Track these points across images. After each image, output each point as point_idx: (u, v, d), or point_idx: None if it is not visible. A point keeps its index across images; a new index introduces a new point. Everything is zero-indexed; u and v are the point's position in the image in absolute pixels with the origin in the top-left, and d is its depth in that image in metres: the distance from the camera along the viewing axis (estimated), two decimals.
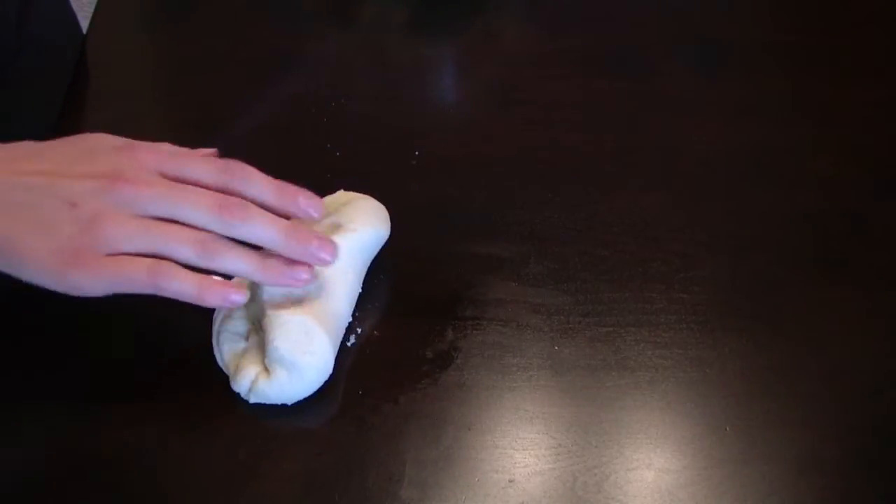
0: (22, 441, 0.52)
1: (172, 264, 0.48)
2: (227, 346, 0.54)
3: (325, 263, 0.51)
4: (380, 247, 0.58)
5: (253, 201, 0.50)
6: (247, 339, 0.54)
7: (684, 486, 0.51)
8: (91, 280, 0.48)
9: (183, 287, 0.48)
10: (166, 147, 0.52)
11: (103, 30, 0.75)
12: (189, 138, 0.68)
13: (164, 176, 0.49)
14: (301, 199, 0.51)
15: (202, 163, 0.51)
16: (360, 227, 0.56)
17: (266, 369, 0.52)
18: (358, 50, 0.74)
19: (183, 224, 0.49)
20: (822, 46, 0.74)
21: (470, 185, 0.64)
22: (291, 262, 0.50)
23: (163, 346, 0.56)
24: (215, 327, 0.54)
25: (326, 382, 0.54)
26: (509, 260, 0.60)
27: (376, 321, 0.57)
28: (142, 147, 0.50)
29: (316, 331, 0.52)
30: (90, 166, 0.49)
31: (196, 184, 0.50)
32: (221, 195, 0.49)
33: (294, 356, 0.51)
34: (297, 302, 0.52)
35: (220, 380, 0.54)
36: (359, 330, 0.56)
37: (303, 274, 0.50)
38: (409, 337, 0.56)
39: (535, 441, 0.53)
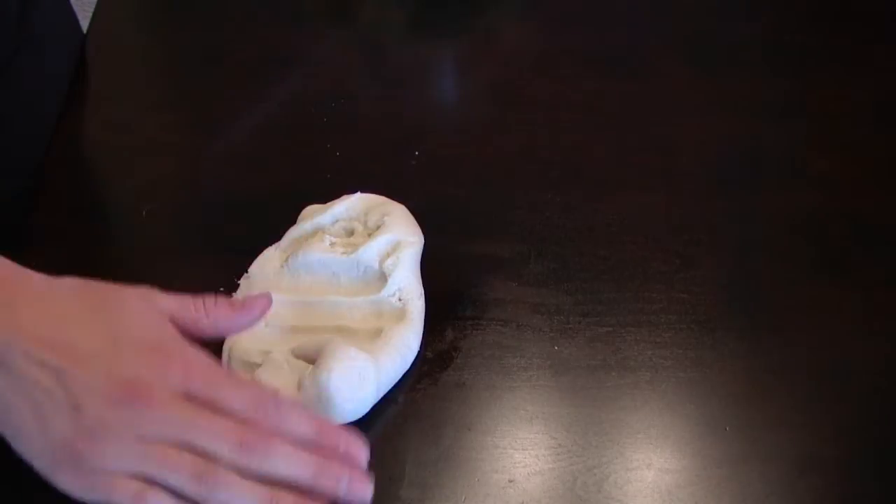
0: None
1: (160, 494, 0.43)
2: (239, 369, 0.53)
3: (362, 500, 0.46)
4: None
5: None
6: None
7: (684, 486, 0.51)
8: (77, 490, 0.43)
9: None
10: (202, 361, 0.46)
11: (103, 29, 0.75)
12: (189, 138, 0.68)
13: (189, 396, 0.44)
14: (342, 442, 0.45)
15: (234, 392, 0.45)
16: (415, 239, 0.57)
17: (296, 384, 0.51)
18: (358, 50, 0.74)
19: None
20: (822, 46, 0.74)
21: (470, 185, 0.64)
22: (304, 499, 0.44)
23: None
24: (225, 356, 0.54)
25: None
26: (509, 260, 0.60)
27: None
28: (175, 356, 0.45)
29: (369, 380, 0.51)
30: (109, 362, 0.44)
31: (222, 411, 0.44)
32: (244, 430, 0.44)
33: (338, 395, 0.50)
34: (372, 331, 0.53)
35: None
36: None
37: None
38: None
39: (535, 441, 0.53)
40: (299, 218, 0.59)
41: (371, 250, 0.56)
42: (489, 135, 0.68)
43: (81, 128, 0.68)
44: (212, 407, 0.44)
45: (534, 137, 0.68)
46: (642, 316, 0.58)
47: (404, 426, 0.53)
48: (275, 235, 0.58)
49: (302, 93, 0.70)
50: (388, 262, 0.55)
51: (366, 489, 0.45)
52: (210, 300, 0.48)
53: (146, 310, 0.46)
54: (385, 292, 0.55)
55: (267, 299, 0.50)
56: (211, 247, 0.57)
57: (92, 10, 0.77)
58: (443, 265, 0.60)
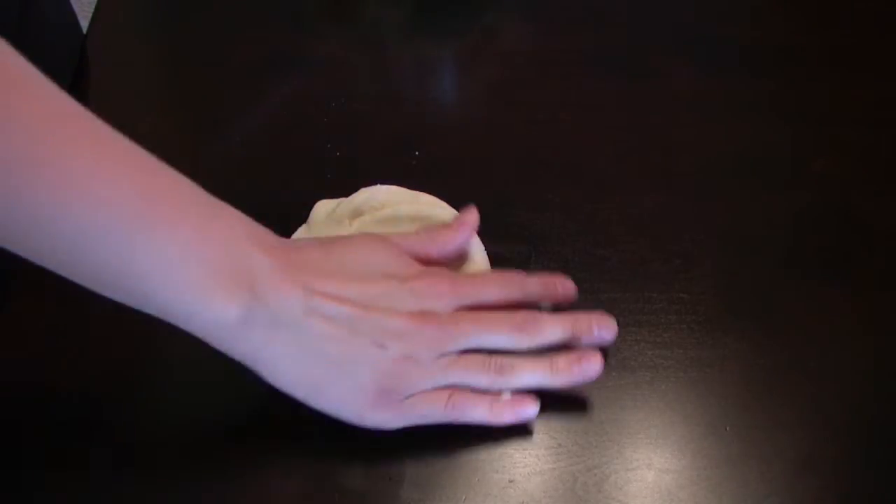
0: (21, 440, 0.52)
1: (465, 394, 0.50)
2: None
3: (608, 342, 0.54)
4: None
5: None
6: None
7: (684, 486, 0.51)
8: (391, 419, 0.50)
9: (476, 413, 0.50)
10: (454, 275, 0.53)
11: (103, 30, 0.75)
12: (189, 138, 0.68)
13: (462, 307, 0.51)
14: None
15: (491, 284, 0.53)
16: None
17: None
18: (358, 50, 0.74)
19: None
20: (822, 46, 0.74)
21: (470, 185, 0.64)
22: (578, 357, 0.52)
23: (162, 346, 0.56)
24: None
25: None
26: (509, 260, 0.60)
27: None
28: (437, 277, 0.51)
29: None
30: (396, 301, 0.49)
31: (488, 305, 0.52)
32: (515, 316, 0.51)
33: None
34: None
35: (221, 380, 0.54)
36: None
37: (595, 367, 0.52)
38: None
39: (535, 441, 0.53)
40: (312, 213, 0.59)
41: None
42: (489, 135, 0.68)
43: None
44: (480, 307, 0.51)
45: (534, 137, 0.68)
46: (642, 316, 0.58)
47: (404, 426, 0.53)
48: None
49: (302, 93, 0.70)
50: None
51: (611, 325, 0.54)
52: (430, 231, 0.54)
53: (391, 249, 0.52)
54: None
55: (474, 215, 0.55)
56: None
57: (92, 10, 0.77)
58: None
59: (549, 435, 0.53)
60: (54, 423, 0.53)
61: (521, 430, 0.53)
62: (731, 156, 0.67)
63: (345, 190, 0.62)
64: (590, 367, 0.52)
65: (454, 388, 0.50)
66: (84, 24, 0.77)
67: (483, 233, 0.61)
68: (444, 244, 0.54)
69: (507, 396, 0.51)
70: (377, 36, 0.75)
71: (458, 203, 0.63)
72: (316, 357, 0.48)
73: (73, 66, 0.72)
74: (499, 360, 0.51)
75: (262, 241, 0.49)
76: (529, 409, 0.51)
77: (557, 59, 0.73)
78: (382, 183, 0.61)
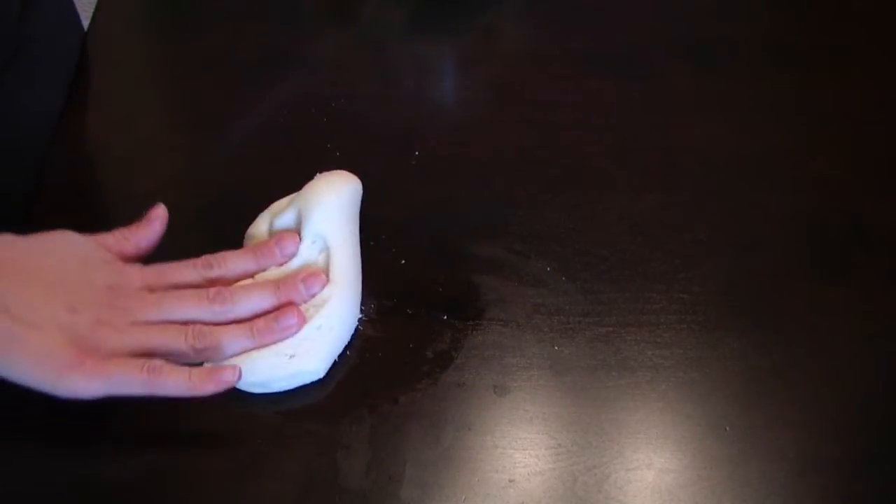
0: (21, 441, 0.52)
1: (165, 362, 0.50)
2: None
3: (315, 294, 0.55)
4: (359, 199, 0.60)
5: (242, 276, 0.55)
6: None
7: (684, 486, 0.51)
8: (86, 382, 0.49)
9: (176, 382, 0.50)
10: (144, 266, 0.54)
11: (104, 29, 0.76)
12: (189, 138, 0.68)
13: (151, 289, 0.52)
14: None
15: (182, 267, 0.54)
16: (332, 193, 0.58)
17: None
18: (358, 50, 0.74)
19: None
20: (822, 46, 0.74)
21: (470, 185, 0.64)
22: (275, 315, 0.53)
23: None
24: None
25: (326, 382, 0.54)
26: (509, 260, 0.60)
27: (376, 321, 0.57)
28: (127, 265, 0.53)
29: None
30: (86, 276, 0.51)
31: (182, 286, 0.53)
32: (206, 291, 0.53)
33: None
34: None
35: None
36: (359, 329, 0.56)
37: (291, 320, 0.53)
38: (409, 337, 0.56)
39: (535, 441, 0.53)
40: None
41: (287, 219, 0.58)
42: (489, 135, 0.68)
43: (81, 128, 0.68)
44: (173, 288, 0.53)
45: (534, 137, 0.68)
46: (642, 316, 0.58)
47: (404, 426, 0.53)
48: None
49: (302, 93, 0.70)
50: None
51: (320, 280, 0.55)
52: (122, 229, 0.55)
53: (87, 242, 0.53)
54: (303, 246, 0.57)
55: (161, 209, 0.56)
56: (211, 246, 0.56)
57: (92, 9, 0.77)
58: (443, 265, 0.60)
59: (549, 435, 0.53)
60: (52, 422, 0.53)
61: (521, 430, 0.53)
62: (731, 156, 0.67)
63: None
64: (287, 322, 0.53)
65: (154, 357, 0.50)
66: (84, 23, 0.77)
67: (483, 233, 0.62)
68: (137, 240, 0.55)
69: (207, 366, 0.52)
70: (377, 36, 0.75)
71: (458, 203, 0.63)
72: (11, 324, 0.48)
73: (73, 66, 0.72)
74: (197, 327, 0.51)
75: None
76: (228, 376, 0.50)
77: (557, 59, 0.73)
78: (382, 183, 0.61)
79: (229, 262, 0.55)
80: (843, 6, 0.77)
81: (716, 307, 0.58)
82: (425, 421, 0.53)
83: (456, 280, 0.59)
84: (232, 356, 0.52)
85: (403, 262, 0.60)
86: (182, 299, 0.52)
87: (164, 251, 0.55)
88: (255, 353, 0.52)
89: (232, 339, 0.52)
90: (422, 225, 0.62)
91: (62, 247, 0.52)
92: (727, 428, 0.53)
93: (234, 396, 0.53)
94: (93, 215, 0.64)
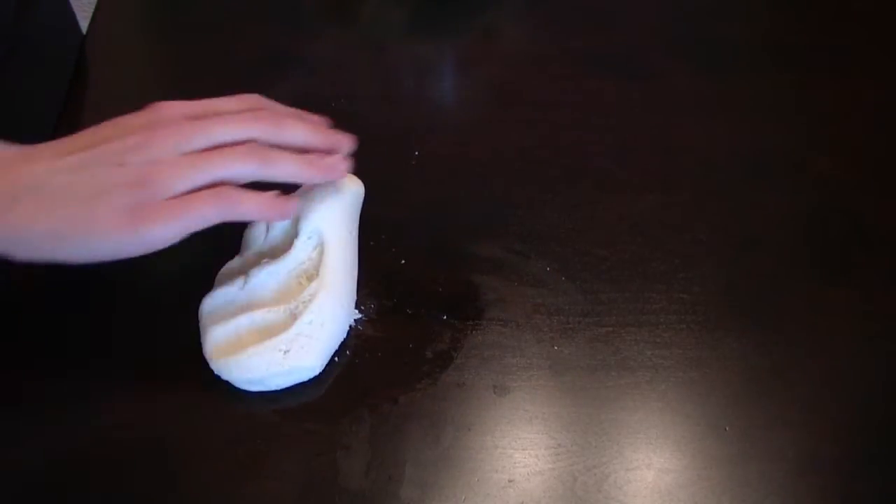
0: (20, 442, 0.52)
1: (233, 188, 0.50)
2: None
3: (349, 148, 0.55)
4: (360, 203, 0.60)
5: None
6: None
7: (684, 486, 0.51)
8: (163, 229, 0.48)
9: (250, 205, 0.50)
10: (185, 102, 0.52)
11: (103, 30, 0.76)
12: None
13: (194, 117, 0.51)
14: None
15: (222, 100, 0.53)
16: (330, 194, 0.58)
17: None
18: (358, 50, 0.74)
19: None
20: (822, 46, 0.74)
21: (470, 185, 0.64)
22: (325, 156, 0.53)
23: (161, 345, 0.56)
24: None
25: (326, 382, 0.54)
26: (509, 260, 0.60)
27: (376, 321, 0.57)
28: (162, 103, 0.51)
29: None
30: (122, 129, 0.50)
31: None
32: (254, 115, 0.52)
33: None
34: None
35: (220, 380, 0.54)
36: (359, 329, 0.56)
37: (340, 164, 0.54)
38: (409, 337, 0.56)
39: (535, 441, 0.53)
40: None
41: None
42: (489, 135, 0.68)
43: (81, 128, 0.68)
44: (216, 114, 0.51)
45: (534, 137, 0.68)
46: (642, 316, 0.58)
47: (404, 426, 0.53)
48: None
49: (302, 93, 0.70)
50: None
51: (348, 138, 0.56)
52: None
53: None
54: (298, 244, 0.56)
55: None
56: (211, 247, 0.56)
57: (92, 10, 0.77)
58: (443, 265, 0.60)
59: (549, 435, 0.53)
60: (52, 423, 0.53)
61: (520, 430, 0.53)
62: (731, 156, 0.67)
63: None
64: (337, 164, 0.54)
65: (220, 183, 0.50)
66: (84, 24, 0.77)
67: (483, 233, 0.62)
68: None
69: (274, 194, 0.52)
70: (377, 36, 0.75)
71: (458, 203, 0.63)
72: (67, 203, 0.47)
73: (72, 66, 0.72)
74: (254, 145, 0.51)
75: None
76: (291, 206, 0.52)
77: (557, 59, 0.73)
78: (382, 183, 0.61)
79: (272, 103, 0.55)
80: (843, 6, 0.77)
81: (716, 307, 0.58)
82: (425, 421, 0.53)
83: (456, 280, 0.59)
84: (290, 178, 0.53)
85: (403, 262, 0.60)
86: (230, 121, 0.51)
87: (162, 250, 0.55)
88: (250, 350, 0.52)
89: (292, 165, 0.52)
90: (422, 225, 0.62)
91: (94, 128, 0.51)
92: (727, 428, 0.53)
93: (233, 396, 0.53)
94: None
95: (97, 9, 0.77)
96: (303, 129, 0.53)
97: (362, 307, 0.57)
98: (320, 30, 0.76)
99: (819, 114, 0.69)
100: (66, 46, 0.74)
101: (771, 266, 0.60)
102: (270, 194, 0.51)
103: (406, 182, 0.64)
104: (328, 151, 0.54)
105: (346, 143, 0.55)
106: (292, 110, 0.55)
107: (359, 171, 0.63)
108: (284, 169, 0.51)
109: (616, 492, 0.51)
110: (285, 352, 0.53)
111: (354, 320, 0.57)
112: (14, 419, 0.53)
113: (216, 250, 0.57)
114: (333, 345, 0.55)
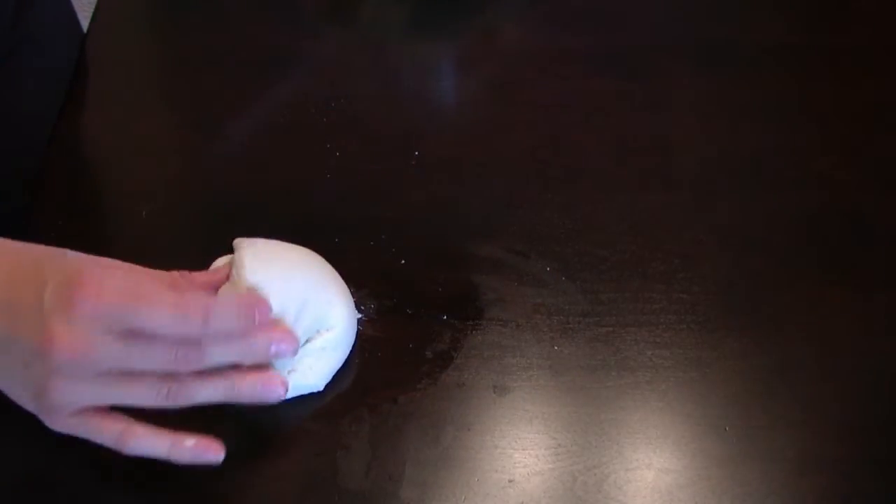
0: (19, 443, 0.52)
1: (140, 428, 0.47)
2: None
3: (287, 354, 0.49)
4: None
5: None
6: None
7: (684, 486, 0.51)
8: (67, 431, 0.47)
9: (153, 451, 0.47)
10: (113, 286, 0.46)
11: (104, 29, 0.75)
12: (189, 138, 0.68)
13: (110, 328, 0.45)
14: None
15: (152, 312, 0.46)
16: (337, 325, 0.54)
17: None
18: (358, 50, 0.74)
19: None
20: (823, 46, 0.74)
21: (470, 185, 0.64)
22: (264, 381, 0.48)
23: None
24: None
25: (327, 383, 0.54)
26: (509, 260, 0.60)
27: (376, 321, 0.57)
28: (85, 290, 0.45)
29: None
30: (37, 316, 0.45)
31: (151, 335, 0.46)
32: (173, 349, 0.46)
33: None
34: None
35: None
36: (359, 329, 0.56)
37: (278, 391, 0.49)
38: (409, 337, 0.56)
39: (535, 441, 0.53)
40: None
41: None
42: (489, 135, 0.68)
43: (81, 128, 0.68)
44: (139, 333, 0.46)
45: (534, 137, 0.68)
46: (642, 316, 0.58)
47: (404, 426, 0.53)
48: (274, 236, 0.58)
49: (302, 93, 0.70)
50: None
51: (292, 341, 0.49)
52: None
53: (60, 253, 0.48)
54: None
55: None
56: (211, 247, 0.57)
57: (92, 10, 0.77)
58: (443, 265, 0.60)
59: (549, 435, 0.53)
60: None
61: (520, 430, 0.53)
62: (732, 156, 0.67)
63: (345, 190, 0.62)
64: (272, 392, 0.49)
65: (130, 418, 0.47)
66: (84, 24, 0.77)
67: (483, 233, 0.62)
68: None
69: (190, 443, 0.48)
70: (377, 36, 0.75)
71: (458, 203, 0.63)
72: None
73: (73, 66, 0.72)
74: (170, 384, 0.46)
75: None
76: (211, 454, 0.48)
77: (557, 59, 0.73)
78: (382, 183, 0.61)
79: (211, 323, 0.47)
80: (843, 6, 0.77)
81: (716, 307, 0.58)
82: (425, 421, 0.53)
83: (456, 280, 0.59)
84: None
85: (403, 262, 0.60)
86: (148, 358, 0.46)
87: (162, 250, 0.55)
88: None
89: (209, 394, 0.48)
90: (422, 225, 0.62)
91: (39, 268, 0.47)
92: (727, 428, 0.53)
93: None
94: (92, 215, 0.64)
95: (98, 8, 0.77)
96: (234, 356, 0.48)
97: (362, 307, 0.57)
98: (320, 30, 0.76)
99: (819, 114, 0.69)
100: (66, 46, 0.74)
101: (771, 266, 0.60)
102: (184, 445, 0.47)
103: (406, 182, 0.64)
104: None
105: (284, 346, 0.49)
106: (237, 339, 0.48)
107: (359, 171, 0.63)
108: (204, 398, 0.47)
109: (616, 492, 0.51)
110: (289, 371, 0.53)
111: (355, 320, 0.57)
112: (12, 421, 0.53)
113: (216, 249, 0.57)
114: (339, 364, 0.55)
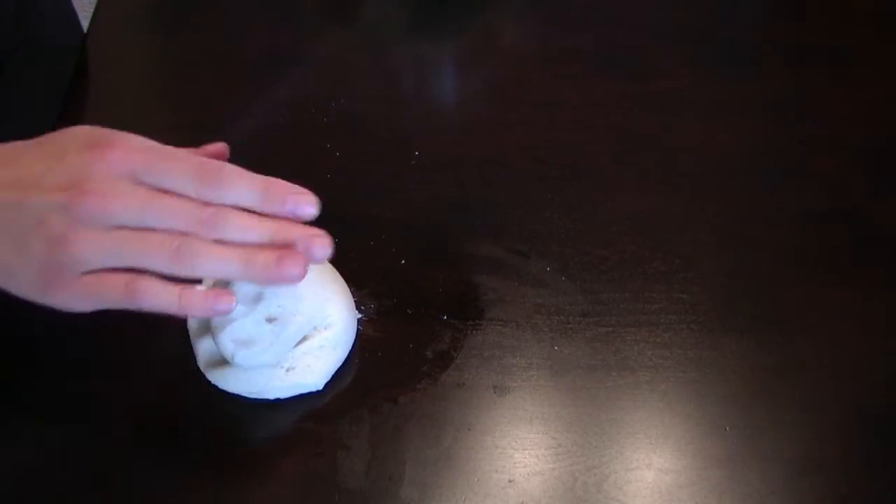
0: (17, 444, 0.52)
1: (150, 278, 0.45)
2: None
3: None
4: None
5: (236, 206, 0.47)
6: None
7: (684, 486, 0.51)
8: (72, 299, 0.46)
9: (162, 301, 0.46)
10: (140, 144, 0.47)
11: (104, 29, 0.75)
12: (189, 138, 0.68)
13: (137, 181, 0.46)
14: (289, 200, 0.47)
15: (177, 168, 0.46)
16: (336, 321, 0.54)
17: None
18: (358, 50, 0.74)
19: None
20: (823, 46, 0.74)
21: (470, 185, 0.64)
22: (280, 256, 0.45)
23: (161, 346, 0.56)
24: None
25: (327, 382, 0.54)
26: (509, 260, 0.60)
27: (376, 321, 0.57)
28: (113, 146, 0.46)
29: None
30: (58, 174, 0.45)
31: (171, 192, 0.46)
32: (197, 206, 0.46)
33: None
34: None
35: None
36: (359, 329, 0.56)
37: (295, 270, 0.45)
38: (409, 337, 0.56)
39: (535, 441, 0.53)
40: None
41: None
42: (489, 135, 0.68)
43: None
44: (162, 187, 0.45)
45: (534, 137, 0.68)
46: (642, 316, 0.58)
47: (404, 426, 0.53)
48: None
49: (302, 93, 0.70)
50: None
51: (325, 245, 0.47)
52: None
53: (83, 127, 0.47)
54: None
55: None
56: None
57: (92, 10, 0.77)
58: (443, 265, 0.60)
59: (549, 435, 0.53)
60: (50, 425, 0.53)
61: (521, 430, 0.53)
62: (731, 156, 0.67)
63: (344, 190, 0.62)
64: (290, 271, 0.45)
65: (138, 271, 0.45)
66: (84, 24, 0.77)
67: (483, 233, 0.62)
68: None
69: (200, 289, 0.46)
70: (377, 36, 0.75)
71: (458, 203, 0.63)
72: (1, 241, 0.45)
73: (73, 66, 0.72)
74: (180, 240, 0.45)
75: None
76: (222, 304, 0.46)
77: (557, 59, 0.73)
78: (382, 182, 0.61)
79: (233, 187, 0.46)
80: (843, 6, 0.77)
81: (716, 307, 0.58)
82: (425, 421, 0.53)
83: (456, 280, 0.59)
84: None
85: (403, 262, 0.60)
86: (171, 212, 0.45)
87: None
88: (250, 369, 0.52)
89: (220, 265, 0.45)
90: (422, 225, 0.62)
91: (53, 142, 0.47)
92: (727, 428, 0.53)
93: (233, 397, 0.53)
94: None
95: (97, 8, 0.77)
96: (250, 230, 0.46)
97: (362, 307, 0.57)
98: (320, 30, 0.76)
99: (819, 114, 0.69)
100: (67, 46, 0.74)
101: (771, 266, 0.60)
102: (190, 290, 0.46)
103: (406, 182, 0.64)
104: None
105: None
106: (258, 191, 0.47)
107: (359, 171, 0.63)
108: (212, 267, 0.46)
109: (616, 492, 0.51)
110: (287, 369, 0.53)
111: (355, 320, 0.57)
112: (16, 419, 0.53)
113: None
114: (338, 363, 0.55)
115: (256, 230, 0.46)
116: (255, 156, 0.66)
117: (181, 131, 0.69)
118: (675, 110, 0.69)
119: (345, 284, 0.56)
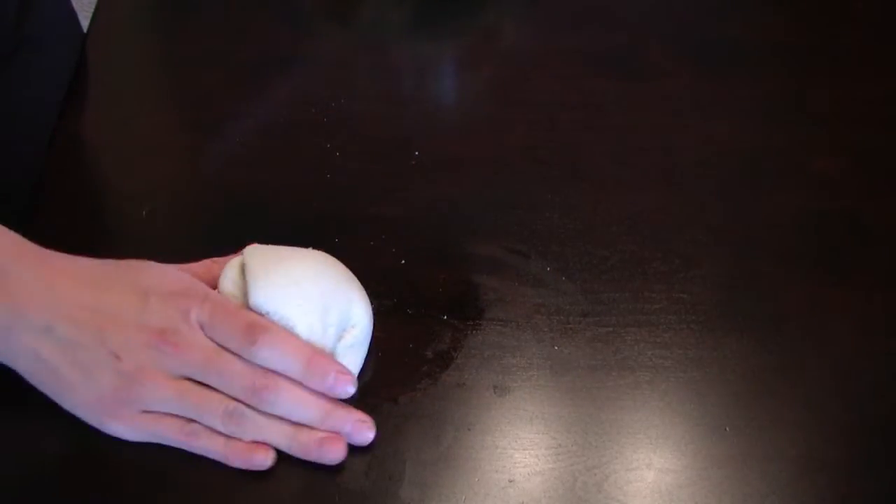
0: (18, 444, 0.52)
1: (199, 425, 0.50)
2: None
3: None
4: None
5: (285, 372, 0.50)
6: None
7: (684, 486, 0.51)
8: (126, 431, 0.50)
9: (210, 448, 0.50)
10: (221, 302, 0.51)
11: (104, 29, 0.75)
12: (189, 138, 0.68)
13: (212, 334, 0.50)
14: (330, 378, 0.51)
15: (229, 327, 0.50)
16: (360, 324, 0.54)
17: None
18: (358, 50, 0.74)
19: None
20: (823, 46, 0.74)
21: (470, 185, 0.64)
22: (322, 441, 0.50)
23: None
24: None
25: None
26: (509, 260, 0.60)
27: (376, 321, 0.57)
28: (189, 297, 0.50)
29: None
30: (140, 315, 0.49)
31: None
32: (254, 374, 0.50)
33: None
34: None
35: None
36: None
37: (337, 454, 0.50)
38: (409, 337, 0.56)
39: (535, 441, 0.53)
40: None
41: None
42: (489, 135, 0.68)
43: (81, 128, 0.68)
44: (219, 342, 0.50)
45: (534, 137, 0.68)
46: (642, 316, 0.58)
47: (404, 426, 0.53)
48: (275, 236, 0.58)
49: (302, 93, 0.70)
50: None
51: (371, 433, 0.51)
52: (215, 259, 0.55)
53: (166, 268, 0.52)
54: None
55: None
56: (211, 247, 0.57)
57: (92, 10, 0.77)
58: (443, 265, 0.60)
59: (549, 435, 0.53)
60: (52, 426, 0.53)
61: (521, 430, 0.53)
62: (731, 156, 0.67)
63: (344, 190, 0.62)
64: (331, 455, 0.50)
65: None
66: (84, 24, 0.77)
67: (483, 233, 0.62)
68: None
69: (242, 442, 0.50)
70: (377, 36, 0.75)
71: (458, 203, 0.63)
72: (63, 361, 0.49)
73: (73, 66, 0.72)
74: (235, 407, 0.50)
75: (21, 250, 0.50)
76: (258, 459, 0.50)
77: (557, 59, 0.73)
78: (382, 182, 0.61)
79: (275, 361, 0.50)
80: (843, 6, 0.77)
81: (716, 307, 0.58)
82: (425, 421, 0.53)
83: (456, 280, 0.59)
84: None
85: (403, 262, 0.60)
86: (230, 376, 0.50)
87: (162, 250, 0.55)
88: None
89: (269, 436, 0.50)
90: (422, 225, 0.62)
91: (129, 277, 0.51)
92: (727, 428, 0.53)
93: None
94: (93, 215, 0.64)
95: (97, 8, 0.77)
96: (301, 409, 0.50)
97: None
98: (320, 30, 0.76)
99: (819, 114, 0.69)
100: (67, 46, 0.73)
101: (771, 266, 0.60)
102: (234, 445, 0.50)
103: (406, 182, 0.64)
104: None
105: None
106: (299, 354, 0.50)
107: (359, 171, 0.63)
108: (260, 438, 0.50)
109: (616, 492, 0.51)
110: None
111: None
112: (10, 423, 0.53)
113: (215, 249, 0.57)
114: (364, 359, 0.55)
115: (304, 411, 0.51)
116: (255, 156, 0.67)
117: (181, 131, 0.69)
118: (674, 110, 0.69)
119: (356, 280, 0.56)
